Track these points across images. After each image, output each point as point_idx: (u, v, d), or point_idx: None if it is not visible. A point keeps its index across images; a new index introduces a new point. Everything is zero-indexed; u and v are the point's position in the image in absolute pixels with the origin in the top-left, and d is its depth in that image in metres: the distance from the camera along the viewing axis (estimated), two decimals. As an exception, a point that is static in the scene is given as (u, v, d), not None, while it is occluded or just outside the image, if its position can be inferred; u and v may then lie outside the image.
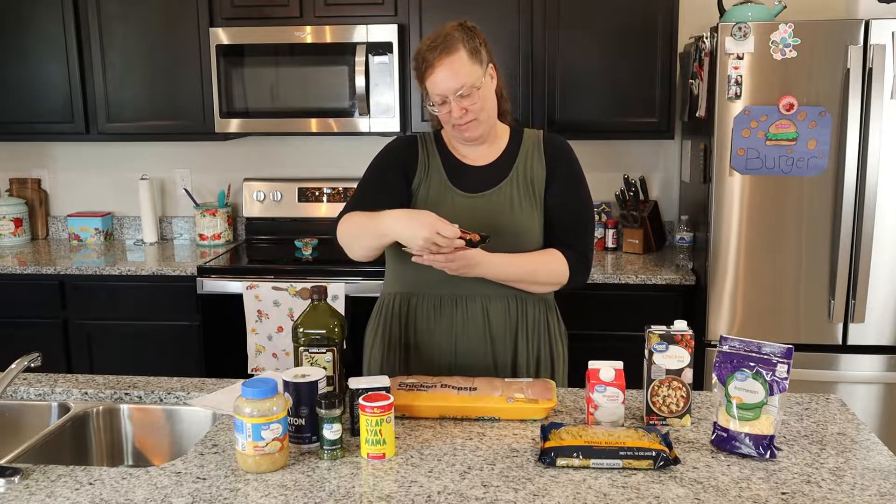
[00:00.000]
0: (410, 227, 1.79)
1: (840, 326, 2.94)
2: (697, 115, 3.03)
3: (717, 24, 2.87)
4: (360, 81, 3.35)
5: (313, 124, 3.46)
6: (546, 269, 1.99)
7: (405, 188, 2.02)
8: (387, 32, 3.35)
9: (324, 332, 1.76)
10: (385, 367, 2.07)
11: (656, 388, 1.72)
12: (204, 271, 3.35)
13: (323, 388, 1.63)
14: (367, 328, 2.14)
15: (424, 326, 2.04)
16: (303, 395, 1.61)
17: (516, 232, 1.97)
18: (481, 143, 2.04)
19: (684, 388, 1.72)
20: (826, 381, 2.95)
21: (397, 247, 1.92)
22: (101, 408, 1.95)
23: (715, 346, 2.47)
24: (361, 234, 1.93)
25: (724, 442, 1.60)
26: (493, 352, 2.03)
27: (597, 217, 3.64)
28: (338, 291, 3.16)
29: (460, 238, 1.79)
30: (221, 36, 3.42)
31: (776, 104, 2.83)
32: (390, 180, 2.02)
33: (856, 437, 1.68)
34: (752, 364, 1.58)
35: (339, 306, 3.15)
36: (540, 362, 2.06)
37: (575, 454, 1.52)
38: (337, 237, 2.00)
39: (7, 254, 3.68)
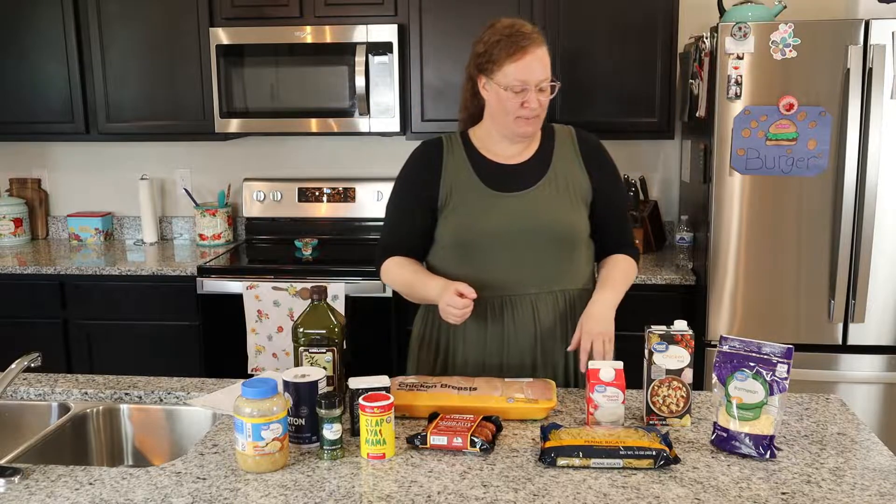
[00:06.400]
0: (440, 300, 1.89)
1: (840, 326, 2.94)
2: (697, 115, 3.03)
3: (717, 24, 2.87)
4: (360, 81, 3.35)
5: (313, 124, 3.46)
6: (632, 277, 2.09)
7: (431, 212, 2.02)
8: (387, 32, 3.34)
9: (324, 332, 1.76)
10: (436, 370, 2.07)
11: (656, 388, 1.72)
12: (204, 271, 3.35)
13: (323, 388, 1.64)
14: (412, 335, 2.14)
15: (474, 334, 2.01)
16: (303, 395, 1.61)
17: (558, 230, 1.98)
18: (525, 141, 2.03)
19: (684, 388, 1.72)
20: (826, 381, 2.95)
21: (443, 252, 2.01)
22: (101, 408, 1.95)
23: (715, 346, 2.46)
24: (409, 294, 2.05)
25: (724, 442, 1.60)
26: (542, 350, 2.01)
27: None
28: (338, 291, 3.16)
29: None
30: (221, 36, 3.42)
31: (776, 104, 2.83)
32: (414, 212, 2.04)
33: (856, 437, 1.68)
34: (752, 364, 1.58)
35: (339, 306, 3.15)
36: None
37: (575, 453, 1.52)
38: (381, 279, 2.10)
39: (7, 254, 3.68)
